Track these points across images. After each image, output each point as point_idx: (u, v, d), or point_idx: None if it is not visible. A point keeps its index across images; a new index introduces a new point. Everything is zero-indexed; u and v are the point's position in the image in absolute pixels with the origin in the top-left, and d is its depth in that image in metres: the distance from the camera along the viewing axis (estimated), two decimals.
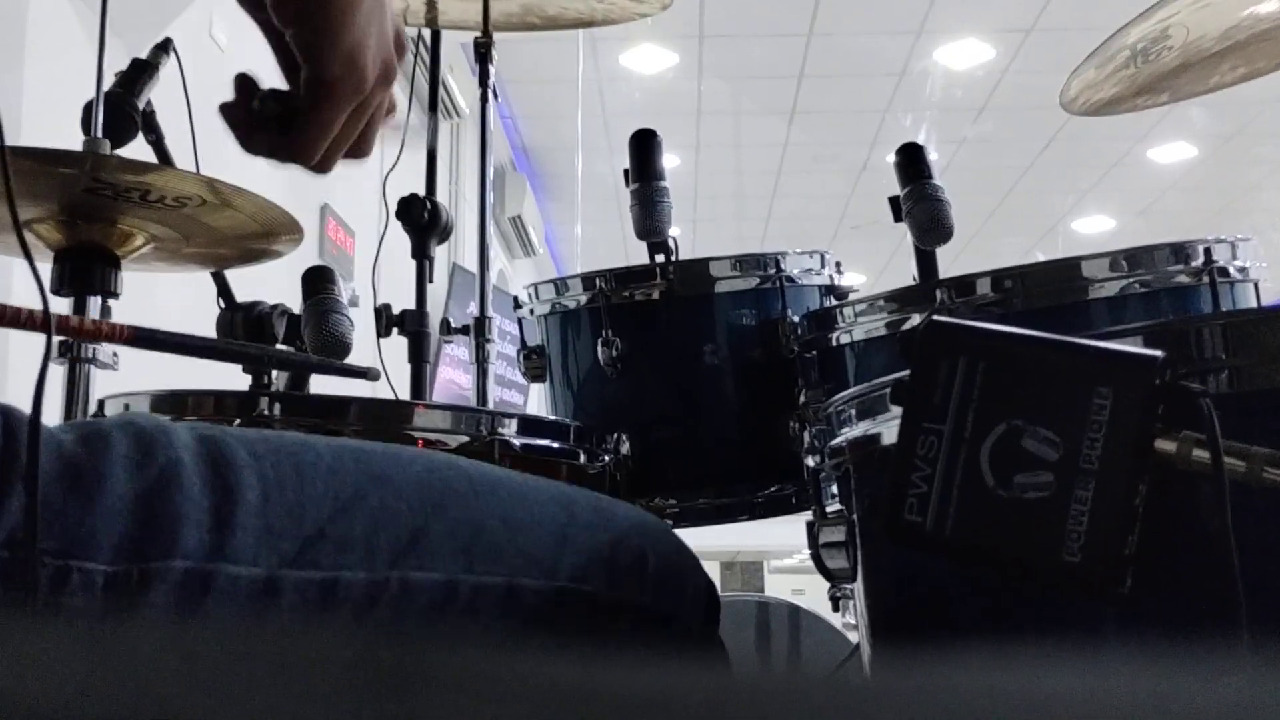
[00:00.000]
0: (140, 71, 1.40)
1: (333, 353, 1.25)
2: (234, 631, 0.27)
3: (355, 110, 0.75)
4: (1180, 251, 1.14)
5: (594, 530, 0.72)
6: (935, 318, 0.68)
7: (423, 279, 1.63)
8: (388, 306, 1.61)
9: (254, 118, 0.75)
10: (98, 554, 0.55)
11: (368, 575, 0.62)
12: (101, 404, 1.21)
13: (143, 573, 0.56)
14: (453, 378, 4.85)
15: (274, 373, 1.30)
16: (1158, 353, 0.60)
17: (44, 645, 0.23)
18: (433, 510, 0.66)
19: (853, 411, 0.87)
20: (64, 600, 0.54)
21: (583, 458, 1.25)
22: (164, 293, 2.19)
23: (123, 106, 1.35)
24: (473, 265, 1.69)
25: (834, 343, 1.30)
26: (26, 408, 0.56)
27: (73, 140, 1.30)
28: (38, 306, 0.62)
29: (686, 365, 1.40)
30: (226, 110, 0.77)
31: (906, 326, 1.22)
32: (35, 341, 0.59)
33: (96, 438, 0.58)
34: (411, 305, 1.61)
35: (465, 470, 0.71)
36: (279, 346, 1.31)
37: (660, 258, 1.43)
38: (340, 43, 0.70)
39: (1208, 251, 1.13)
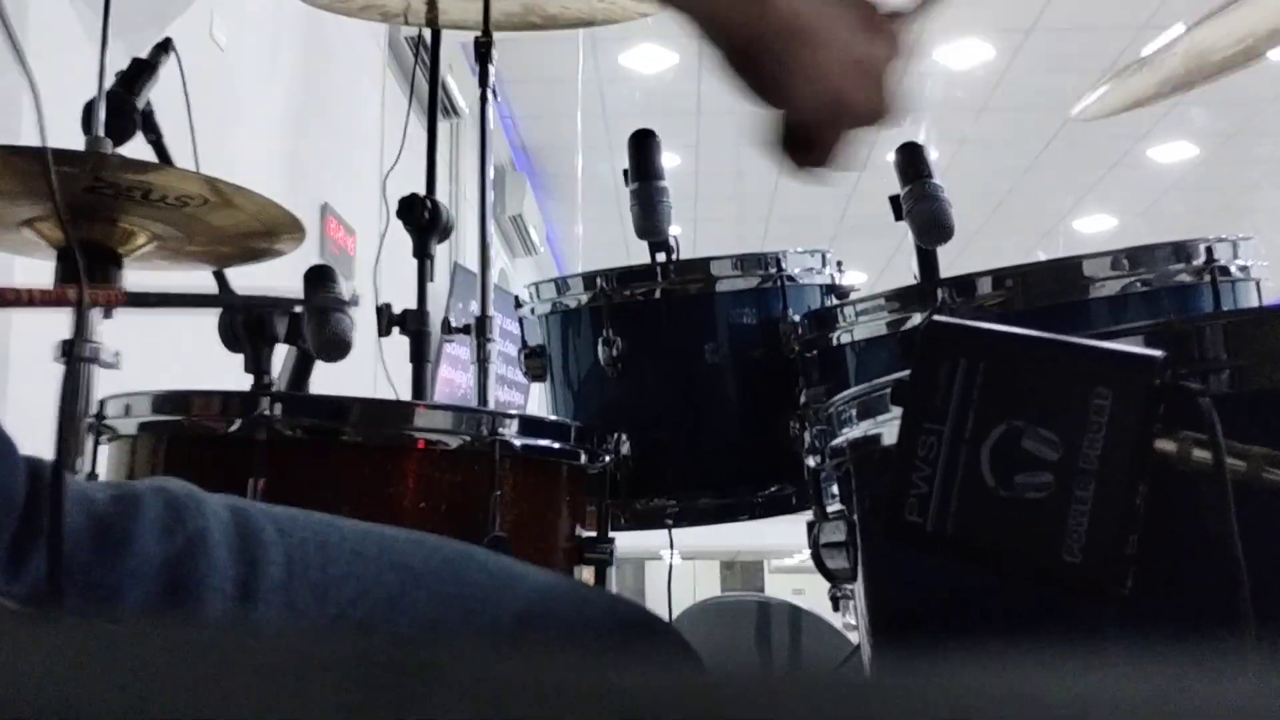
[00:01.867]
0: (140, 71, 1.40)
1: (334, 352, 1.25)
2: (236, 633, 0.27)
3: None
4: (1181, 250, 1.14)
5: (605, 632, 0.73)
6: (936, 318, 0.68)
7: (423, 278, 1.63)
8: (389, 306, 1.61)
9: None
10: (120, 614, 0.56)
11: None
12: (103, 404, 1.21)
13: None
14: (453, 377, 4.85)
15: (274, 372, 1.30)
16: (1158, 353, 0.60)
17: (45, 647, 0.23)
18: (450, 602, 0.67)
19: (853, 411, 0.87)
20: None
21: (583, 457, 1.25)
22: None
23: (122, 106, 1.35)
24: (473, 264, 1.69)
25: (835, 342, 1.30)
26: (27, 406, 0.56)
27: (74, 140, 1.30)
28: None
29: (687, 365, 1.40)
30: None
31: (907, 326, 1.22)
32: (36, 340, 0.59)
33: (129, 499, 0.59)
34: (412, 304, 1.61)
35: (484, 564, 0.72)
36: (281, 346, 1.31)
37: (661, 257, 1.43)
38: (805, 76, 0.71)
39: (1209, 250, 1.12)
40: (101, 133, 1.31)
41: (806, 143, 0.75)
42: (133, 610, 0.56)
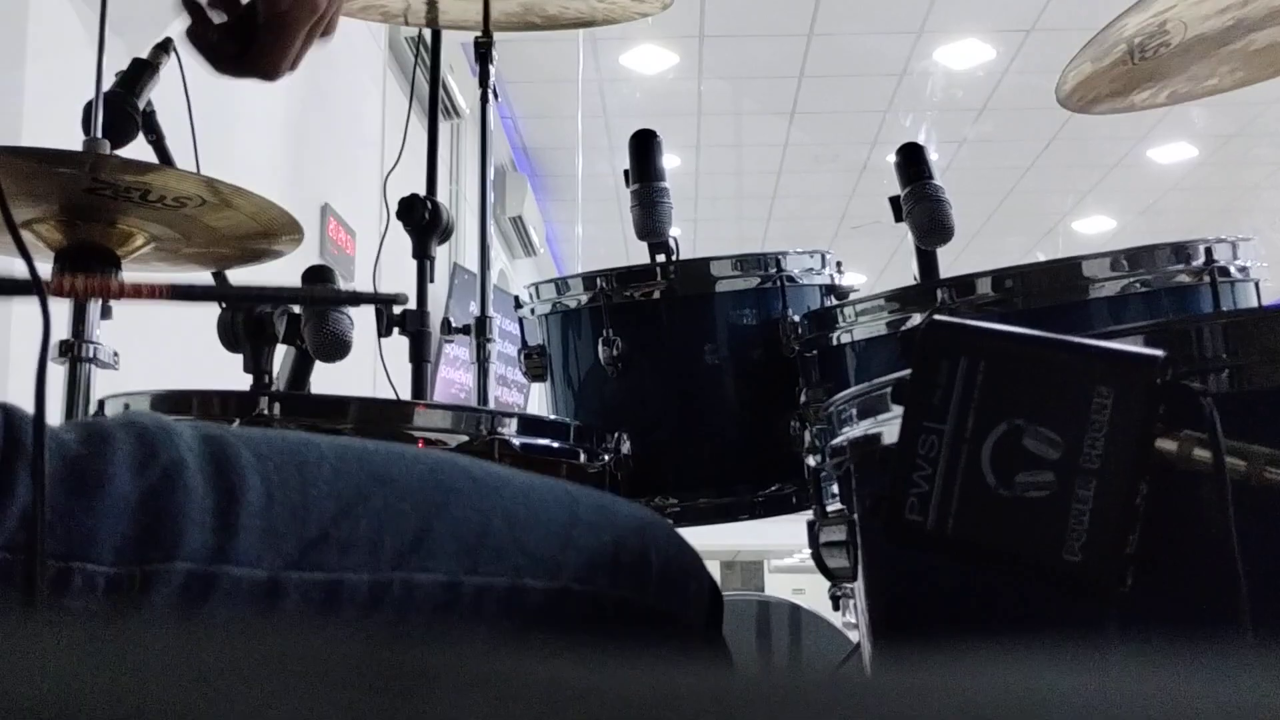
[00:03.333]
0: (140, 71, 1.40)
1: (333, 352, 1.25)
2: (237, 632, 0.27)
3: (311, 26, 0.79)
4: (1181, 251, 1.14)
5: (597, 529, 0.72)
6: (936, 317, 0.68)
7: (423, 279, 1.63)
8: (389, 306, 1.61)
9: (218, 41, 0.80)
10: (100, 555, 0.55)
11: (371, 577, 0.62)
12: (102, 404, 1.21)
13: (145, 575, 0.56)
14: (453, 377, 4.85)
15: (274, 372, 1.30)
16: (1158, 352, 0.60)
17: (46, 646, 0.23)
18: (436, 510, 0.66)
19: (854, 411, 0.87)
20: (65, 602, 0.54)
21: (583, 457, 1.25)
22: None
23: (123, 106, 1.35)
24: (473, 265, 1.69)
25: (834, 342, 1.30)
26: (27, 406, 0.56)
27: (73, 140, 1.30)
28: (38, 308, 0.61)
29: (687, 365, 1.40)
30: (192, 36, 0.81)
31: (907, 326, 1.22)
32: (36, 340, 0.59)
33: (99, 438, 0.58)
34: (412, 305, 1.61)
35: (468, 469, 0.71)
36: (280, 346, 1.31)
37: (661, 258, 1.43)
38: None
39: (1208, 251, 1.13)
40: (100, 133, 1.31)
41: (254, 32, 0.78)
42: (111, 550, 0.55)
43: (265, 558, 0.59)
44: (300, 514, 0.61)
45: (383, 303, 1.10)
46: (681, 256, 1.44)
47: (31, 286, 0.60)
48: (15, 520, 0.52)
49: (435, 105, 1.79)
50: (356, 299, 1.20)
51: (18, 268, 0.65)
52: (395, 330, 1.60)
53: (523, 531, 0.68)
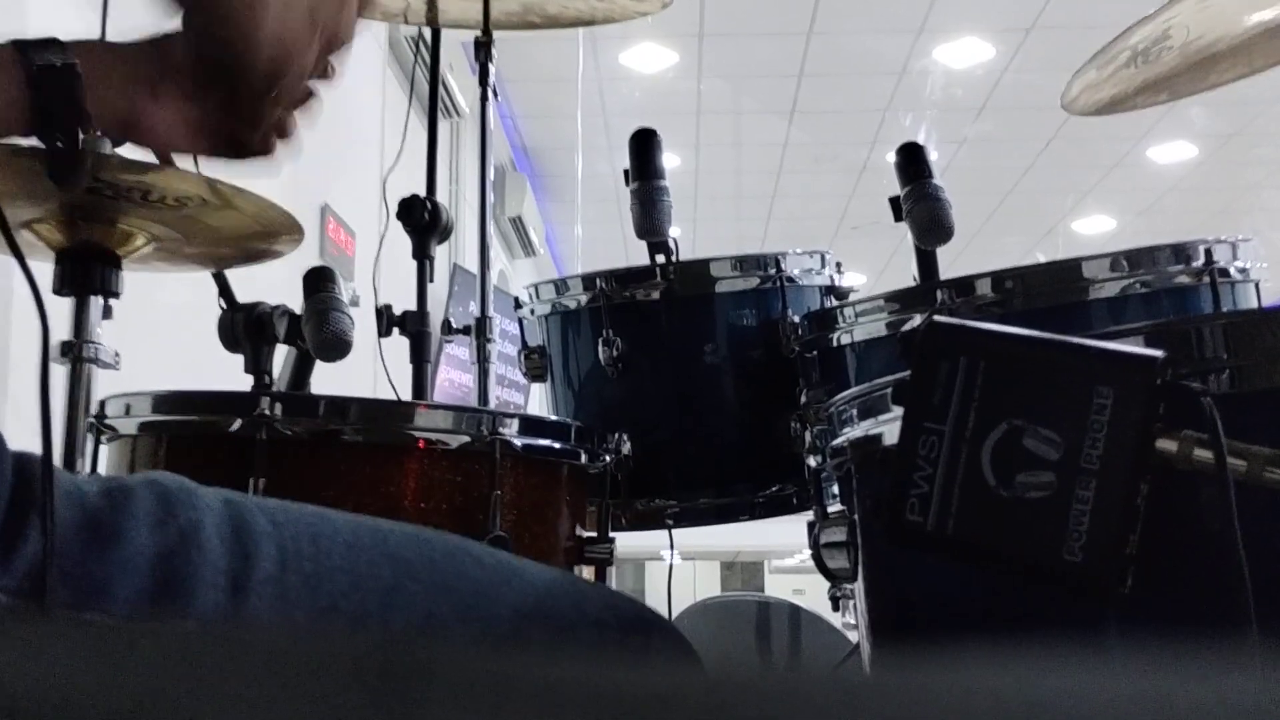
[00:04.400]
0: None
1: (333, 352, 1.25)
2: (237, 632, 0.27)
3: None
4: (1181, 252, 1.14)
5: (602, 628, 0.73)
6: (936, 318, 0.68)
7: (423, 279, 1.63)
8: (389, 307, 1.61)
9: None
10: (111, 607, 0.55)
11: None
12: (103, 404, 1.21)
13: None
14: (453, 377, 4.85)
15: (275, 372, 1.30)
16: (1158, 352, 0.60)
17: (47, 647, 0.23)
18: (446, 594, 0.66)
19: (854, 411, 0.87)
20: None
21: (583, 457, 1.25)
22: (165, 293, 2.19)
23: None
24: (473, 265, 1.69)
25: (834, 343, 1.30)
26: (28, 406, 0.56)
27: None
28: (43, 314, 0.62)
29: (687, 365, 1.40)
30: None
31: (907, 327, 1.22)
32: (37, 340, 0.59)
33: (120, 493, 0.59)
34: (412, 305, 1.61)
35: (480, 558, 0.72)
36: (281, 346, 1.31)
37: (660, 258, 1.43)
38: (260, 31, 0.66)
39: (1208, 252, 1.13)
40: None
41: (251, 115, 0.71)
42: (123, 604, 0.56)
43: (276, 625, 0.59)
44: (312, 584, 0.61)
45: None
46: (681, 257, 1.44)
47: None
48: (24, 567, 0.53)
49: (435, 105, 1.79)
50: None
51: (16, 269, 0.65)
52: (395, 330, 1.60)
53: (527, 625, 0.69)
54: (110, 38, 1.36)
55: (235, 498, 0.63)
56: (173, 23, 0.68)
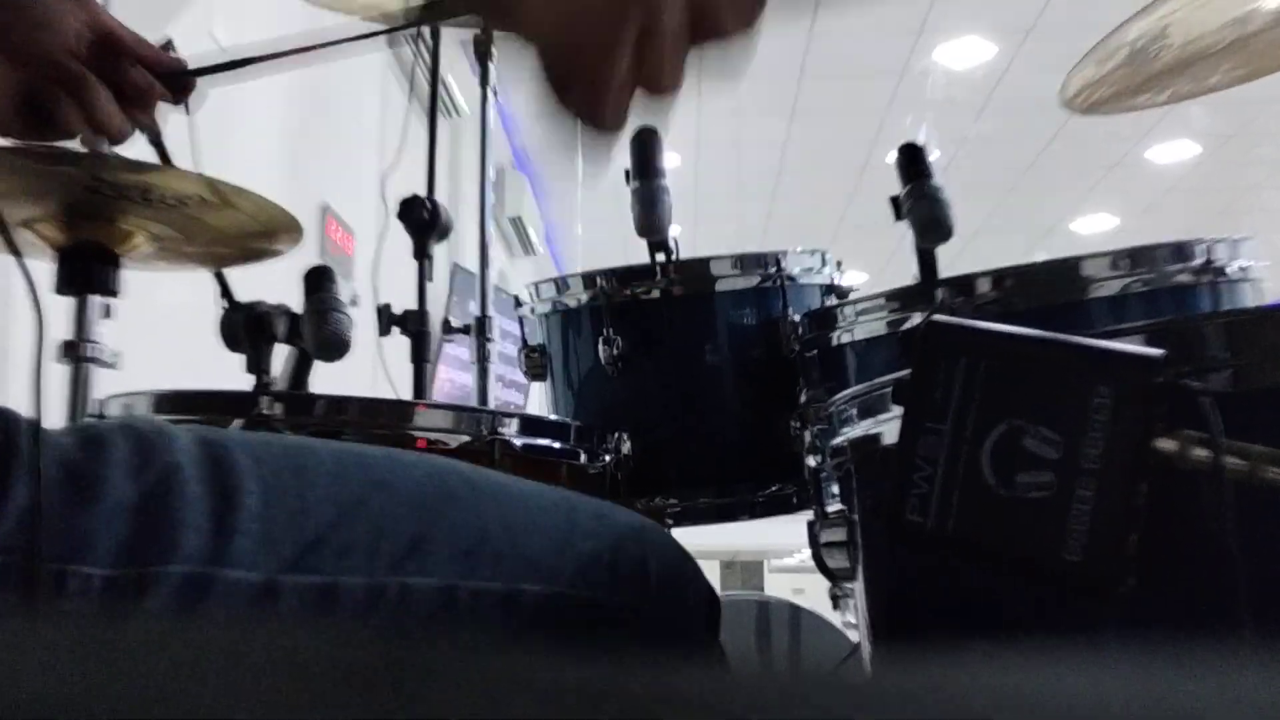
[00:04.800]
0: None
1: (333, 351, 1.25)
2: (235, 632, 0.27)
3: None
4: (1181, 251, 1.14)
5: (595, 536, 0.72)
6: (936, 317, 0.68)
7: (423, 279, 1.63)
8: (389, 306, 1.61)
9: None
10: (96, 558, 0.55)
11: (367, 581, 0.62)
12: (103, 404, 1.21)
13: (141, 577, 0.56)
14: (453, 377, 4.85)
15: (274, 372, 1.30)
16: (1158, 351, 0.60)
17: (47, 645, 0.23)
18: (433, 516, 0.66)
19: (854, 411, 0.87)
20: (62, 604, 0.54)
21: (583, 457, 1.25)
22: (165, 292, 2.19)
23: None
24: (473, 265, 1.69)
25: (835, 342, 1.30)
26: (27, 406, 0.56)
27: (74, 141, 1.30)
28: (39, 307, 0.62)
29: (687, 364, 1.40)
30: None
31: (907, 326, 1.22)
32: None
33: (96, 441, 0.58)
34: (412, 305, 1.61)
35: (467, 475, 0.71)
36: (280, 346, 1.31)
37: (661, 257, 1.43)
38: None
39: (1208, 251, 1.13)
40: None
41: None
42: (107, 554, 0.55)
43: (261, 561, 0.59)
44: (297, 518, 0.61)
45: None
46: (681, 256, 1.44)
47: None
48: (12, 523, 0.53)
49: (435, 104, 1.79)
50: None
51: (16, 268, 0.64)
52: (395, 330, 1.60)
53: (520, 537, 0.68)
54: None
55: (212, 435, 0.62)
56: None
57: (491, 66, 1.71)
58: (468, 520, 0.67)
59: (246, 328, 1.28)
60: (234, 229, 1.26)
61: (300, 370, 1.32)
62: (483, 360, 1.60)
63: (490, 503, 0.69)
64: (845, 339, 1.29)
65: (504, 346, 1.76)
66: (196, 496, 0.58)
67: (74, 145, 1.06)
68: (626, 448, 1.30)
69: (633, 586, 0.72)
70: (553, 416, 1.41)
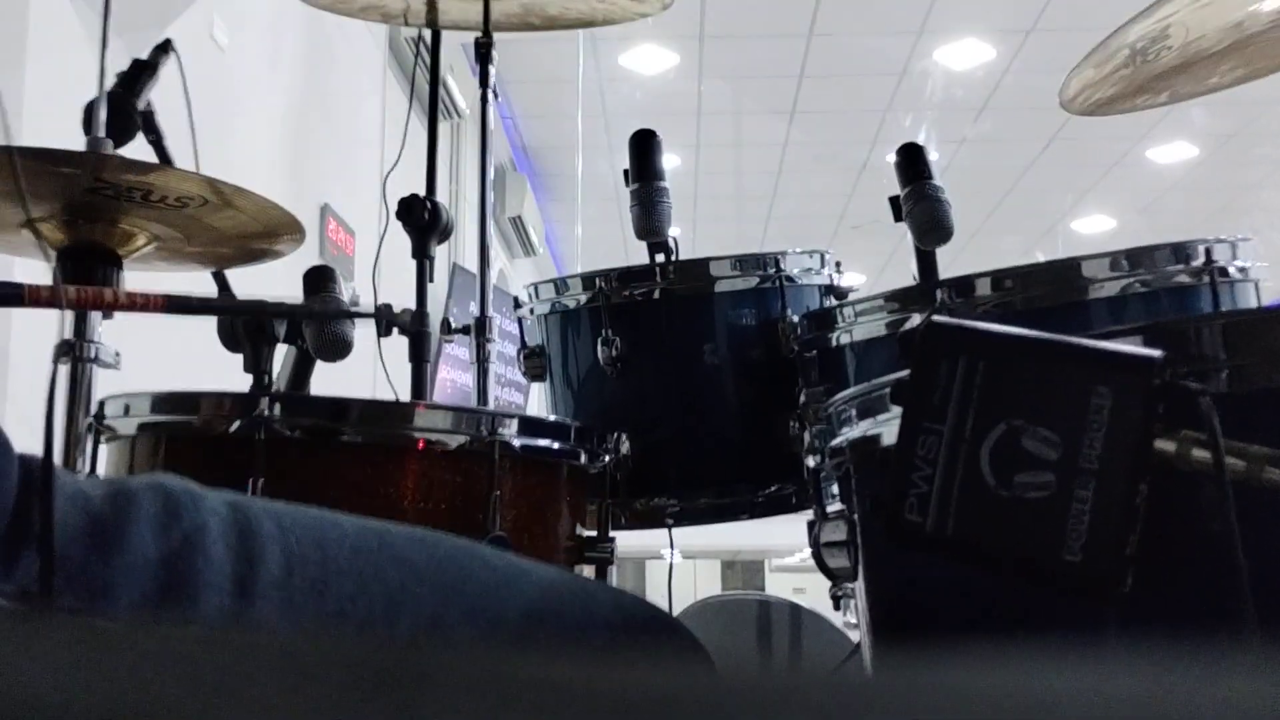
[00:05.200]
0: (141, 72, 1.40)
1: (333, 352, 1.25)
2: (235, 634, 0.27)
3: None
4: (1180, 251, 1.14)
5: (611, 629, 0.72)
6: (935, 318, 0.68)
7: (423, 279, 1.63)
8: (388, 306, 1.61)
9: None
10: (114, 611, 0.55)
11: None
12: (102, 404, 1.21)
13: None
14: (453, 378, 4.85)
15: (274, 372, 1.30)
16: (1156, 352, 0.60)
17: (47, 646, 0.23)
18: (453, 595, 0.66)
19: (853, 411, 0.87)
20: None
21: (583, 457, 1.25)
22: (165, 292, 2.19)
23: (124, 107, 1.35)
24: (473, 265, 1.69)
25: (834, 342, 1.30)
26: (27, 406, 0.56)
27: (73, 140, 1.30)
28: (40, 311, 0.62)
29: (686, 365, 1.40)
30: None
31: (906, 326, 1.22)
32: (37, 339, 0.59)
33: (125, 496, 0.59)
34: (412, 305, 1.61)
35: (487, 559, 0.71)
36: (281, 346, 1.31)
37: (660, 257, 1.44)
38: None
39: (1208, 251, 1.13)
40: (102, 133, 1.31)
41: None
42: (127, 608, 0.56)
43: (281, 629, 0.59)
44: (319, 588, 0.61)
45: (384, 319, 1.11)
46: (681, 256, 1.44)
47: (11, 297, 0.61)
48: (29, 570, 0.53)
49: (435, 105, 1.79)
50: (353, 314, 1.20)
51: (17, 268, 0.65)
52: (395, 330, 1.60)
53: (536, 625, 0.69)
54: (111, 39, 1.36)
55: (240, 501, 0.63)
56: None
57: (492, 68, 1.71)
58: (486, 604, 0.67)
59: (246, 328, 1.29)
60: (234, 229, 1.26)
61: (300, 370, 1.33)
62: (482, 360, 1.60)
63: (510, 588, 0.69)
64: (844, 339, 1.29)
65: (504, 346, 1.76)
66: (220, 558, 0.59)
67: (75, 145, 1.06)
68: (626, 448, 1.31)
69: None
70: (552, 417, 1.41)
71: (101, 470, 1.23)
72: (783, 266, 1.40)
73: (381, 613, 0.63)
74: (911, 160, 1.34)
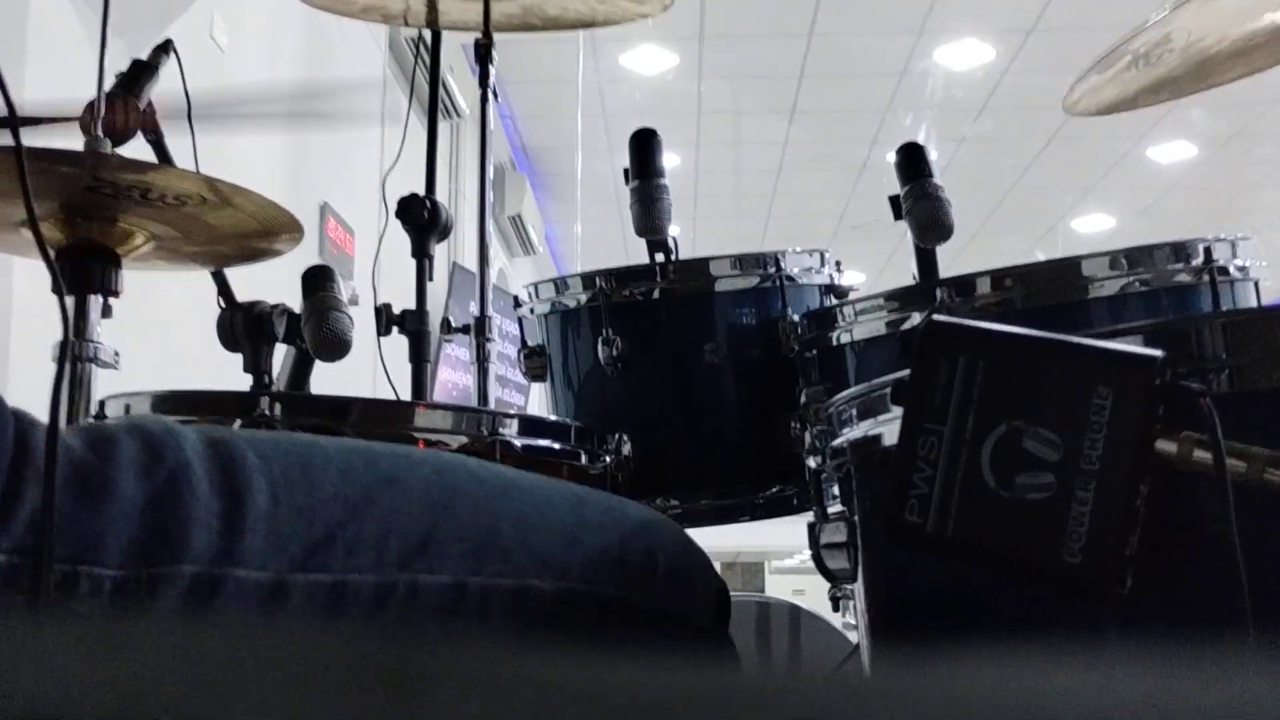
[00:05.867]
0: (140, 72, 1.40)
1: (332, 351, 1.25)
2: (240, 632, 0.27)
3: None
4: (1180, 250, 1.14)
5: (604, 530, 0.72)
6: (935, 317, 0.68)
7: (423, 278, 1.63)
8: (388, 306, 1.61)
9: None
10: (106, 559, 0.55)
11: (376, 578, 0.62)
12: (103, 404, 1.21)
13: (151, 577, 0.56)
14: (452, 378, 4.84)
15: (274, 372, 1.30)
16: (1157, 352, 0.60)
17: (54, 645, 0.23)
18: (442, 512, 0.66)
19: (854, 412, 0.87)
20: (72, 605, 0.54)
21: (584, 458, 1.25)
22: (164, 291, 2.19)
23: (123, 107, 1.35)
24: (472, 264, 1.69)
25: (834, 342, 1.30)
26: (27, 407, 0.56)
27: (73, 140, 1.30)
28: (39, 307, 0.62)
29: (687, 364, 1.40)
30: None
31: (906, 326, 1.22)
32: (37, 339, 0.59)
33: (104, 442, 0.59)
34: (411, 304, 1.61)
35: (475, 471, 0.71)
36: (280, 346, 1.31)
37: (660, 257, 1.43)
38: None
39: (1208, 251, 1.13)
40: (101, 133, 1.31)
41: None
42: (118, 554, 0.55)
43: (271, 560, 0.59)
44: (306, 516, 0.61)
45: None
46: (681, 256, 1.44)
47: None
48: (23, 525, 0.53)
49: (435, 105, 1.79)
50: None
51: (16, 268, 0.65)
52: (395, 329, 1.60)
53: (529, 533, 0.68)
54: (110, 39, 1.36)
55: (221, 434, 0.63)
56: None
57: (492, 69, 1.71)
58: (476, 517, 0.67)
59: (245, 327, 1.29)
60: (234, 228, 1.26)
61: (300, 370, 1.32)
62: (482, 360, 1.60)
63: (498, 499, 0.69)
64: (845, 339, 1.29)
65: (504, 346, 1.76)
66: (206, 495, 0.58)
67: (74, 145, 1.06)
68: (627, 449, 1.30)
69: (641, 580, 0.72)
70: (553, 417, 1.41)
71: None
72: (783, 266, 1.40)
73: (370, 535, 0.62)
74: (911, 159, 1.34)
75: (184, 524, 0.57)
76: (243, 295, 1.37)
